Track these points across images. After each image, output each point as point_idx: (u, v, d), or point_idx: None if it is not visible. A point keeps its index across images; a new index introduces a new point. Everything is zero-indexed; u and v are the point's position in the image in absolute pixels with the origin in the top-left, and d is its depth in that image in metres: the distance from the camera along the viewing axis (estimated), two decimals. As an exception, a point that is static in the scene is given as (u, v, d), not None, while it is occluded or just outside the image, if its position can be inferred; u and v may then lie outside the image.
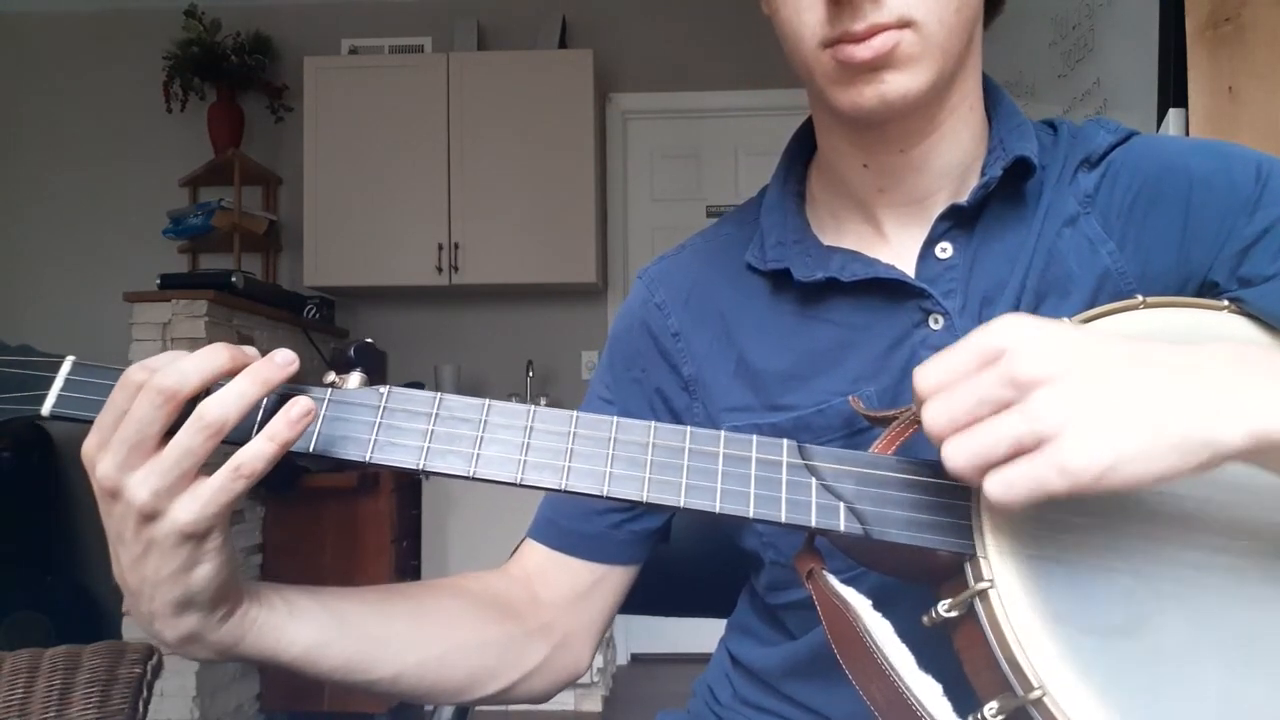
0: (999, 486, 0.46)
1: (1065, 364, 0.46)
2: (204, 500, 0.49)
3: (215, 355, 0.50)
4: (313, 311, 3.51)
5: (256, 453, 0.49)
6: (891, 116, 0.63)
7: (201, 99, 3.70)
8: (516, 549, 0.79)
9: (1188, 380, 0.46)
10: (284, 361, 0.51)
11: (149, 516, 0.49)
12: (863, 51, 0.59)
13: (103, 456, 0.49)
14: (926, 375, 0.49)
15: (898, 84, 0.60)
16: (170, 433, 0.50)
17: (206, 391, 0.50)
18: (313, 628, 0.59)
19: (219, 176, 3.67)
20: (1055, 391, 0.45)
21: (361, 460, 0.53)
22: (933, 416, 0.48)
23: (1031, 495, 0.45)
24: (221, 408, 0.49)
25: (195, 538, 0.50)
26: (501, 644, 0.69)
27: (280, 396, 0.53)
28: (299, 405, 0.50)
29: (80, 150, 3.83)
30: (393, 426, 0.53)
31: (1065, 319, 0.57)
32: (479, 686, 0.69)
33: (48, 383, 0.53)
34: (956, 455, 0.47)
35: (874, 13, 0.58)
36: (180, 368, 0.49)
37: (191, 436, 0.49)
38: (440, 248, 3.47)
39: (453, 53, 3.59)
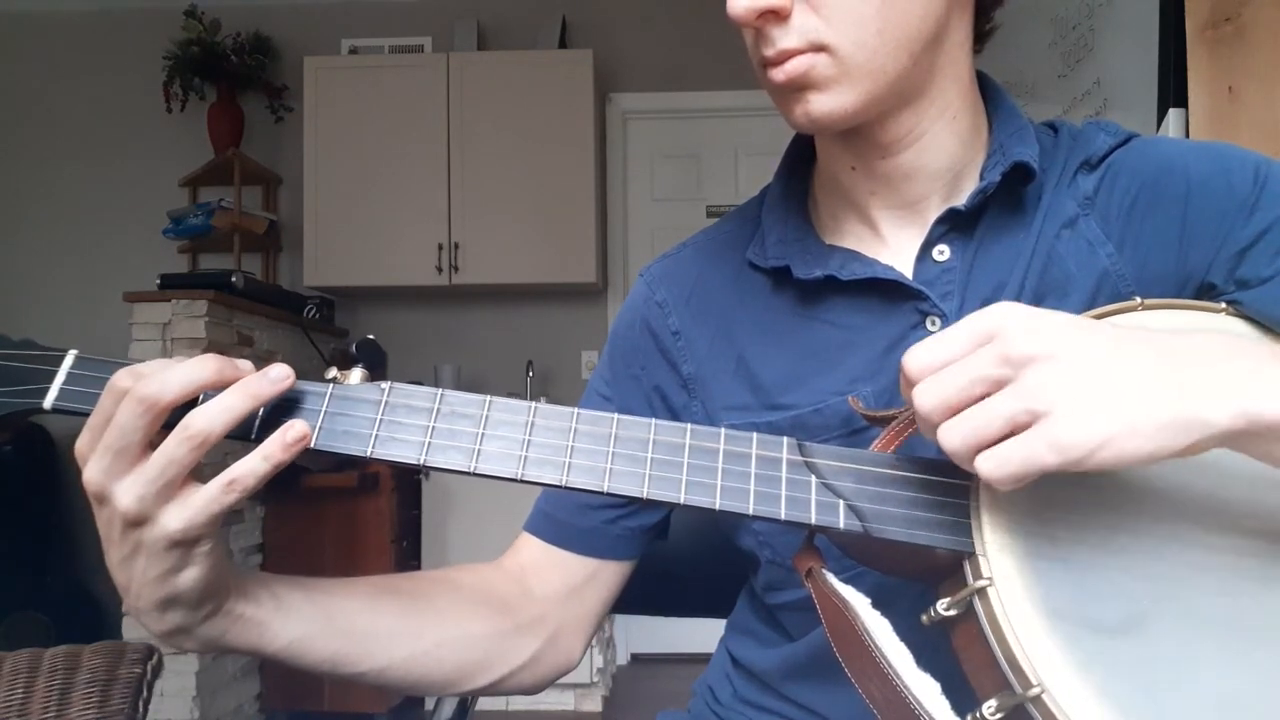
0: (990, 464, 0.46)
1: (1058, 343, 0.47)
2: (195, 509, 0.50)
3: (201, 367, 0.51)
4: (313, 311, 3.51)
5: (250, 470, 0.50)
6: (828, 132, 0.65)
7: (201, 99, 3.70)
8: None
9: (1177, 361, 0.47)
10: (277, 377, 0.52)
11: (136, 522, 0.50)
12: (777, 75, 0.62)
13: (91, 460, 0.50)
14: (917, 358, 0.50)
15: (821, 104, 0.62)
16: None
17: (194, 402, 0.51)
18: (299, 623, 0.59)
19: (219, 176, 3.67)
20: (1049, 369, 0.46)
21: (363, 455, 0.53)
22: (924, 397, 0.49)
23: (1024, 471, 0.46)
24: (207, 420, 0.49)
25: (184, 545, 0.51)
26: (491, 638, 0.70)
27: (282, 402, 0.53)
28: (294, 430, 0.51)
29: (80, 151, 3.82)
30: (394, 422, 0.54)
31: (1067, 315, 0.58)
32: (467, 680, 0.69)
33: (50, 376, 0.53)
34: (952, 436, 0.47)
35: (783, 39, 0.60)
36: (163, 377, 0.50)
37: (176, 446, 0.49)
38: (440, 248, 3.47)
39: (453, 53, 3.59)
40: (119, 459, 0.49)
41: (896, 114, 0.65)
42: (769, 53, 0.61)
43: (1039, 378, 0.46)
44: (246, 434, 0.52)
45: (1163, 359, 0.47)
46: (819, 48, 0.60)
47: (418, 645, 0.65)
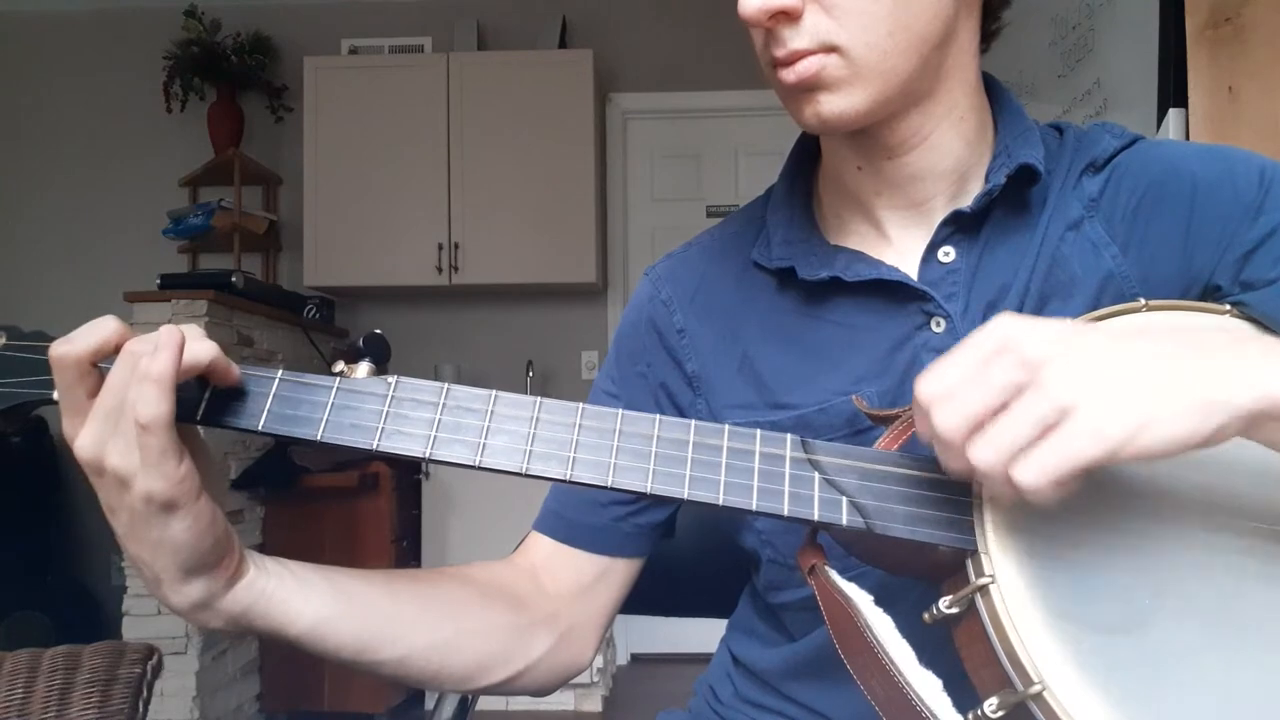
0: (1030, 472, 0.45)
1: (1071, 341, 0.47)
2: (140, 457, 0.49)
3: (184, 329, 0.51)
4: (313, 311, 3.50)
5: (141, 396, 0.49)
6: (837, 132, 0.65)
7: (201, 99, 3.70)
8: (522, 542, 0.79)
9: (1187, 351, 0.48)
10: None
11: (125, 482, 0.50)
12: (788, 76, 0.62)
13: (82, 431, 0.50)
14: (929, 384, 0.49)
15: (831, 105, 0.62)
16: None
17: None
18: (321, 602, 0.59)
19: (219, 176, 3.67)
20: (1068, 364, 0.46)
21: (369, 448, 0.53)
22: (945, 419, 0.47)
23: (1066, 470, 0.45)
24: (150, 359, 0.49)
25: (164, 504, 0.50)
26: (508, 632, 0.69)
27: (289, 393, 0.54)
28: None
29: (80, 150, 3.83)
30: (400, 415, 0.54)
31: (1068, 321, 0.58)
32: (484, 674, 0.69)
33: None
34: (985, 451, 0.46)
35: (794, 39, 0.60)
36: (147, 336, 0.51)
37: (131, 388, 0.49)
38: (440, 248, 3.47)
39: (453, 53, 3.59)
40: (108, 421, 0.50)
41: (905, 115, 0.65)
42: (780, 53, 0.61)
43: (1061, 374, 0.45)
44: (191, 414, 0.52)
45: (1172, 351, 0.48)
46: (830, 49, 0.60)
47: (438, 634, 0.65)
